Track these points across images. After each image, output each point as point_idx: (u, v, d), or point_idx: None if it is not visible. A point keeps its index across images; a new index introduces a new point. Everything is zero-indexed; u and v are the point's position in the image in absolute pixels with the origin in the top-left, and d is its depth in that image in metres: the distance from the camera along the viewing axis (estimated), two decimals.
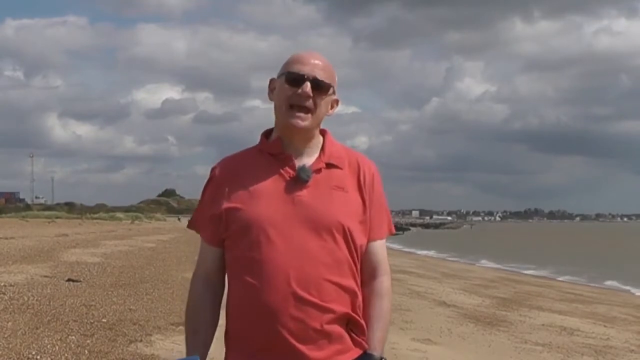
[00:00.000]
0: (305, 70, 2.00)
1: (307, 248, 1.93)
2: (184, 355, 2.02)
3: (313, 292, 1.92)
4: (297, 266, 1.92)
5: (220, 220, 2.00)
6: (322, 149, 2.06)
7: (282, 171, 2.01)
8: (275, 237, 1.93)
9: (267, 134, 2.11)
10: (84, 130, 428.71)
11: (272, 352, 1.92)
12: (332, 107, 2.09)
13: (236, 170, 2.05)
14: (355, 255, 2.01)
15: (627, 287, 21.13)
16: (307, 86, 1.98)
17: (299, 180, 1.99)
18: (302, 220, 1.95)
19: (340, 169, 2.05)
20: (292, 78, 2.00)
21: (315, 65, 2.02)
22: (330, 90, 2.04)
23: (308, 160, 2.03)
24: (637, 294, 19.35)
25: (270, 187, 1.99)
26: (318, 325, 1.92)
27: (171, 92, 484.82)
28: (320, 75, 2.01)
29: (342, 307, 1.97)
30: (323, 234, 1.95)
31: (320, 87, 2.00)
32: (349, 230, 1.99)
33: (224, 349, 2.05)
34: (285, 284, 1.90)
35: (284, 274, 1.91)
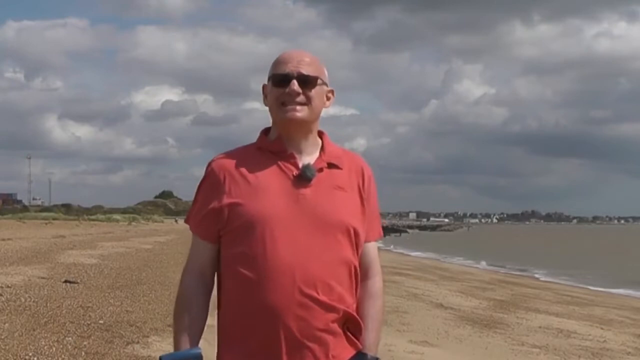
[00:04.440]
0: (289, 68, 2.00)
1: (312, 247, 1.93)
2: (174, 348, 2.00)
3: (318, 292, 1.92)
4: (303, 265, 1.91)
5: (220, 215, 1.98)
6: (322, 148, 2.07)
7: (284, 169, 2.00)
8: (280, 234, 1.92)
9: (266, 131, 2.11)
10: (83, 131, 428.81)
11: (273, 351, 1.91)
12: (328, 99, 2.09)
13: (236, 167, 2.03)
14: (356, 255, 2.02)
15: (624, 290, 21.16)
16: (294, 84, 1.99)
17: (302, 179, 1.98)
18: (306, 218, 1.95)
19: (340, 169, 2.06)
20: (278, 80, 2.01)
21: (300, 61, 2.02)
22: (319, 81, 2.04)
23: (308, 159, 2.03)
24: (634, 296, 19.37)
25: (273, 184, 1.98)
26: (321, 325, 1.93)
27: (171, 94, 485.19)
28: (306, 70, 2.01)
29: (344, 306, 1.97)
30: (327, 233, 1.95)
31: (307, 81, 2.00)
32: (353, 230, 2.00)
33: (215, 347, 2.03)
34: (290, 282, 1.90)
35: (289, 272, 1.90)
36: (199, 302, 2.03)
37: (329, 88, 2.09)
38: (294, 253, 1.92)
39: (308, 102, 2.00)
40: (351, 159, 2.11)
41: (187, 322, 2.01)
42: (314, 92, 2.02)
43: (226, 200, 1.98)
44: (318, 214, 1.96)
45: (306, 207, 1.96)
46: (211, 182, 2.04)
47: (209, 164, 2.07)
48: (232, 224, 1.97)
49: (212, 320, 2.05)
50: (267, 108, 2.08)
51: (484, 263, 32.32)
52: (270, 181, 1.98)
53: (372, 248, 2.13)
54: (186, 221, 2.11)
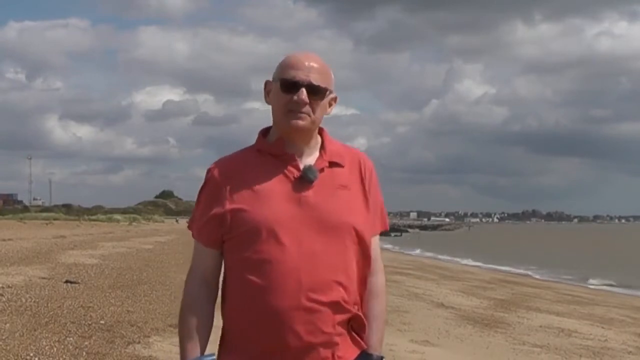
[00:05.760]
0: (300, 75, 1.96)
1: (317, 250, 1.92)
2: (181, 357, 2.00)
3: (325, 295, 1.91)
4: (308, 269, 1.90)
5: (223, 221, 1.96)
6: (322, 147, 2.05)
7: (286, 171, 1.98)
8: (284, 239, 1.91)
9: (264, 132, 2.09)
10: (84, 131, 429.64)
11: (279, 355, 1.90)
12: (330, 106, 2.06)
13: (236, 171, 2.01)
14: (360, 254, 2.01)
15: (625, 289, 21.16)
16: (303, 93, 1.95)
17: (304, 181, 1.97)
18: (310, 221, 1.93)
19: (342, 167, 2.04)
20: (287, 85, 1.97)
21: (310, 68, 1.98)
22: (327, 93, 2.01)
23: (309, 159, 2.02)
24: (635, 295, 19.36)
25: (275, 188, 1.96)
26: (328, 328, 1.92)
27: (172, 94, 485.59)
28: (316, 80, 1.97)
29: (350, 307, 1.97)
30: (331, 235, 1.94)
31: (317, 92, 1.98)
32: (357, 230, 1.98)
33: (218, 351, 2.02)
34: (296, 286, 1.89)
35: (295, 276, 1.89)
36: (204, 310, 2.02)
37: (333, 95, 2.06)
38: (299, 257, 1.90)
39: (313, 112, 1.98)
40: (351, 154, 2.10)
41: (193, 331, 2.00)
42: (320, 104, 2.00)
43: (228, 206, 1.96)
44: (322, 217, 1.94)
45: (310, 210, 1.94)
46: (212, 188, 2.02)
47: (209, 170, 2.05)
48: (236, 230, 1.95)
49: (216, 320, 2.04)
50: (268, 106, 2.06)
51: (484, 262, 32.32)
52: (273, 185, 1.97)
53: (374, 243, 2.09)
54: (189, 228, 2.10)
